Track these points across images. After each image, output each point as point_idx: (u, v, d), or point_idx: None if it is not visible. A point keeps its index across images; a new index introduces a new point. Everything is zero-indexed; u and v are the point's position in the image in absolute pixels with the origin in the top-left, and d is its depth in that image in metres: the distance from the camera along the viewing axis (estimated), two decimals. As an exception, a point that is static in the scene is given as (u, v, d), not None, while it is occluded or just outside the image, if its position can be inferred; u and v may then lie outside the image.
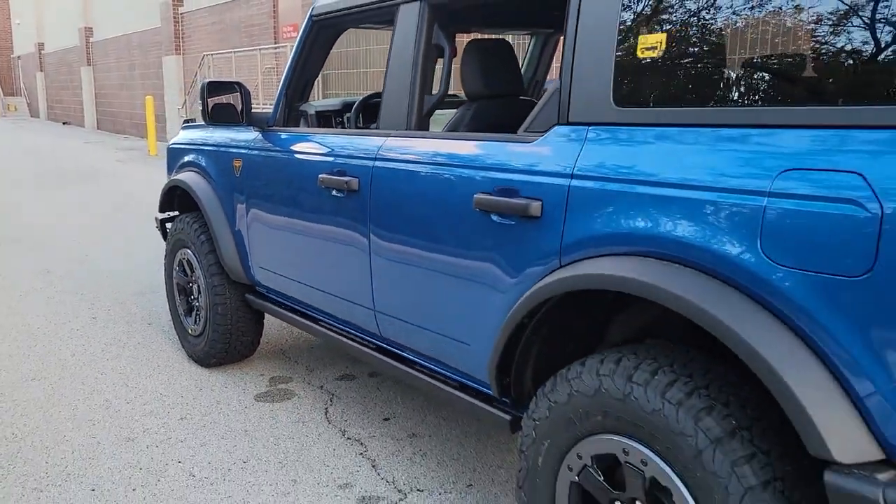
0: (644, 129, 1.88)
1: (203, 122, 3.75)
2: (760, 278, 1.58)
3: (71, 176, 12.88)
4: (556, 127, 2.10)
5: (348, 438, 3.27)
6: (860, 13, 1.53)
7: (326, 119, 3.68)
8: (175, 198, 4.29)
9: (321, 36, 3.28)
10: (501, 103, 2.84)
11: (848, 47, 1.56)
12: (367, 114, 3.64)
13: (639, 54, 1.91)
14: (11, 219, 8.71)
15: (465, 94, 2.87)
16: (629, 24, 1.93)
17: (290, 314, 3.44)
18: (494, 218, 2.20)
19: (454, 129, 2.80)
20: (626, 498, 1.86)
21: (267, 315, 4.04)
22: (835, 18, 1.58)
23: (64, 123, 31.05)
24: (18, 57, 41.15)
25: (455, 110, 2.89)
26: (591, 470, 1.92)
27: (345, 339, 3.08)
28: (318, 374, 4.01)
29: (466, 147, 2.37)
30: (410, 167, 2.53)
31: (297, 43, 3.30)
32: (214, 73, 15.79)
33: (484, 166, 2.26)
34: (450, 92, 3.18)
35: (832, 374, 1.50)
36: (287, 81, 3.37)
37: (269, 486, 2.88)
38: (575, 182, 1.98)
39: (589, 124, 2.02)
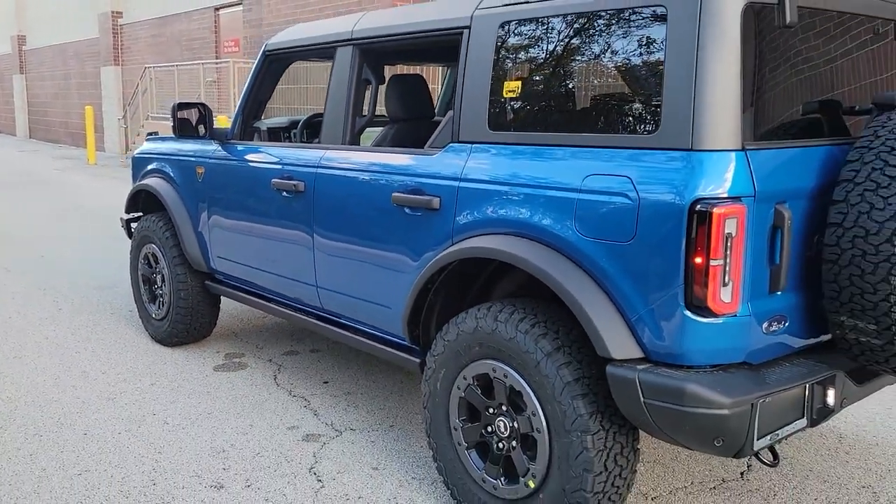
0: (507, 147, 2.70)
1: (167, 135, 4.43)
2: (574, 246, 2.40)
3: (13, 182, 13.18)
4: (451, 144, 2.90)
5: (294, 396, 3.99)
6: (623, 78, 2.38)
7: (276, 134, 4.41)
8: (140, 200, 4.94)
9: (273, 67, 4.03)
10: (415, 124, 3.63)
11: (616, 98, 2.41)
12: (310, 130, 4.39)
13: (504, 95, 2.74)
14: (-38, 223, 9.10)
15: (388, 116, 3.66)
16: (498, 74, 2.75)
17: (246, 295, 4.15)
18: (407, 210, 2.99)
19: (379, 144, 3.58)
20: (495, 404, 2.65)
21: (221, 302, 4.74)
22: (609, 81, 2.43)
23: (-5, 131, 30.60)
24: (-55, 63, 40.16)
25: (382, 128, 3.68)
26: (472, 387, 2.71)
27: (293, 313, 3.81)
28: (266, 350, 4.71)
29: (387, 158, 3.16)
30: (345, 173, 3.30)
31: (252, 72, 4.04)
32: (156, 86, 16.21)
33: (399, 172, 3.05)
34: (379, 113, 3.95)
35: (613, 303, 2.33)
36: (244, 102, 4.09)
37: (230, 429, 3.59)
38: (462, 184, 2.78)
39: (472, 142, 2.82)
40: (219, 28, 16.41)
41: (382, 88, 3.61)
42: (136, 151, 5.03)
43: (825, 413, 2.45)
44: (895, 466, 3.30)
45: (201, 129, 4.11)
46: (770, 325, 2.33)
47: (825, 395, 2.43)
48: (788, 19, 2.27)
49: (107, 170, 16.21)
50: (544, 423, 2.46)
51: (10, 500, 2.93)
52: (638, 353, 2.31)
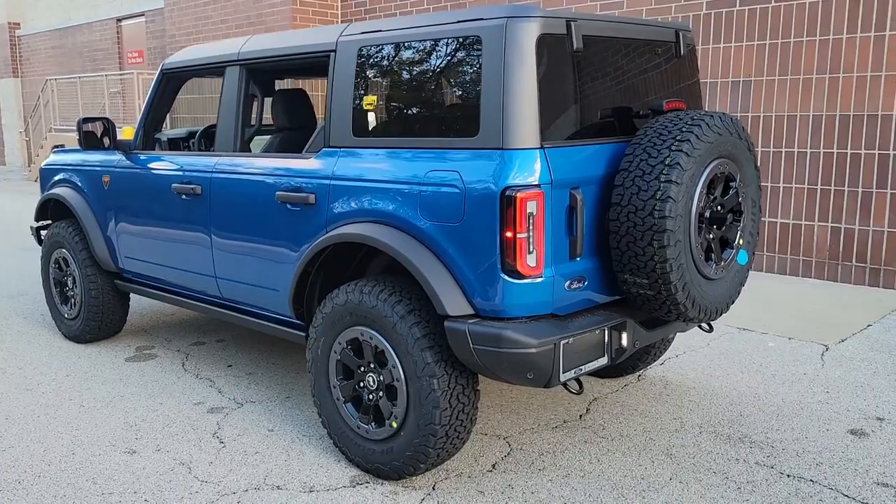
0: (367, 150, 3.27)
1: (73, 147, 4.81)
2: (419, 228, 3.00)
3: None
4: (324, 148, 3.46)
5: (200, 378, 4.46)
6: (452, 93, 2.99)
7: (175, 144, 4.86)
8: (49, 209, 5.29)
9: (170, 84, 4.49)
10: (298, 132, 4.16)
11: (448, 109, 3.02)
12: (206, 140, 4.85)
13: (364, 107, 3.31)
14: None
15: (275, 125, 4.18)
16: (358, 90, 3.32)
17: (153, 291, 4.59)
18: (288, 206, 3.52)
19: (267, 150, 4.09)
20: (365, 362, 3.21)
21: (132, 301, 5.14)
22: (443, 95, 3.04)
23: None
24: None
25: (270, 136, 4.21)
26: (346, 350, 3.27)
27: (197, 303, 4.28)
28: (175, 342, 5.14)
29: (271, 162, 3.68)
30: (236, 176, 3.81)
31: (151, 88, 4.49)
32: (58, 97, 16.10)
33: (281, 174, 3.58)
34: (269, 123, 4.46)
35: (450, 272, 2.92)
36: (145, 116, 4.54)
37: (142, 407, 4.03)
38: (333, 182, 3.34)
39: (340, 147, 3.38)
40: (121, 39, 16.44)
41: (273, 101, 4.14)
42: (43, 163, 5.37)
43: (622, 352, 3.12)
44: (703, 402, 4.02)
45: (106, 141, 4.52)
46: (571, 284, 2.97)
47: (620, 338, 3.09)
48: (575, 46, 2.93)
49: (9, 183, 16.01)
50: (402, 373, 3.04)
51: (-59, 473, 3.32)
52: (469, 311, 2.91)
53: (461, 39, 2.99)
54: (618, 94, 3.24)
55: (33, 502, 3.08)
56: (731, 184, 3.18)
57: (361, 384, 3.25)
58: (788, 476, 3.23)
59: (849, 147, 6.49)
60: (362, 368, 3.24)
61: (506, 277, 2.82)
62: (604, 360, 3.07)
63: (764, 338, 5.12)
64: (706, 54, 7.23)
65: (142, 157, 4.48)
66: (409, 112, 3.23)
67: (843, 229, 6.60)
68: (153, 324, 5.59)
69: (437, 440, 3.00)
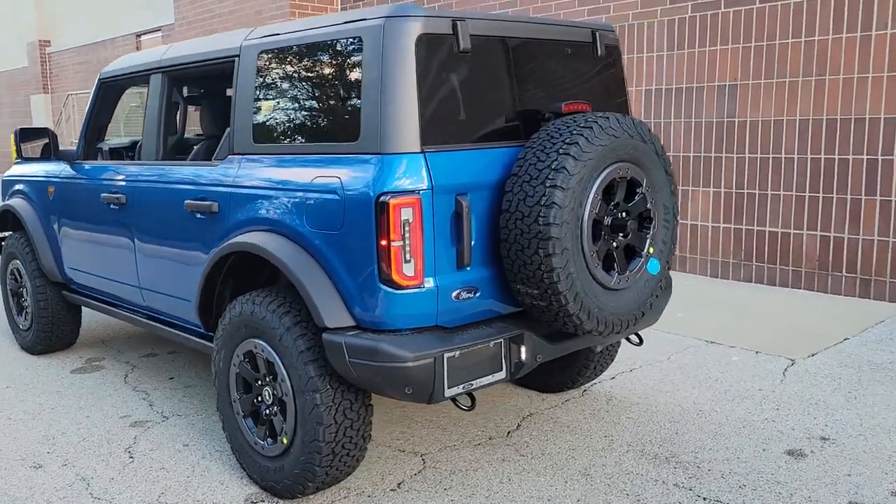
0: (265, 157, 3.18)
1: (32, 158, 4.82)
2: (304, 236, 2.88)
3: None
4: (230, 156, 3.37)
5: (137, 391, 4.40)
6: (337, 97, 2.88)
7: (118, 153, 4.83)
8: (8, 220, 5.31)
9: (108, 93, 4.46)
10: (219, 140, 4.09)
11: (334, 113, 2.91)
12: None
13: (262, 113, 3.22)
14: None
15: (202, 132, 4.12)
16: (257, 96, 3.23)
17: (93, 301, 4.56)
18: (197, 215, 3.44)
19: (195, 158, 4.03)
20: (261, 376, 3.10)
21: (89, 312, 5.12)
22: (329, 100, 2.93)
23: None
24: None
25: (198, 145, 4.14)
26: (243, 363, 3.16)
27: (127, 314, 4.23)
28: (127, 354, 5.11)
29: (183, 170, 3.61)
30: (152, 185, 3.75)
31: (91, 98, 4.47)
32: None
33: (191, 182, 3.51)
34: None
35: (332, 282, 2.80)
36: (86, 126, 4.52)
37: (67, 420, 3.98)
38: (233, 189, 3.25)
39: (242, 154, 3.29)
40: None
41: (200, 108, 4.07)
42: (4, 175, 5.40)
43: (521, 367, 2.96)
44: (642, 419, 3.83)
45: (48, 151, 4.52)
46: (460, 294, 2.82)
47: (519, 351, 2.93)
48: (462, 46, 2.80)
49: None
50: (290, 387, 2.92)
51: None
52: (350, 322, 2.79)
53: (346, 41, 2.88)
54: (518, 96, 3.09)
55: (-79, 516, 3.04)
56: (636, 189, 3.01)
57: (259, 398, 3.15)
58: (705, 499, 3.03)
59: (836, 152, 6.21)
60: (259, 382, 3.13)
61: (384, 287, 2.69)
62: (501, 375, 2.92)
63: (731, 351, 4.89)
64: (691, 58, 7.01)
65: (83, 167, 4.46)
66: (301, 117, 3.12)
67: (832, 238, 6.31)
68: (112, 334, 5.57)
69: (322, 458, 2.88)
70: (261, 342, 3.03)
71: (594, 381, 4.34)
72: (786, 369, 4.52)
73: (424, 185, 2.69)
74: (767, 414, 3.87)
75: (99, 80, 4.41)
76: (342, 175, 2.78)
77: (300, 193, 2.92)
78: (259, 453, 3.14)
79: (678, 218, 3.22)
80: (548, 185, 2.70)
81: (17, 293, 5.19)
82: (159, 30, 15.93)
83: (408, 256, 2.66)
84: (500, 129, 3.01)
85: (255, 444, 3.15)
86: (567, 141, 2.75)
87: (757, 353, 4.84)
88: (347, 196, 2.73)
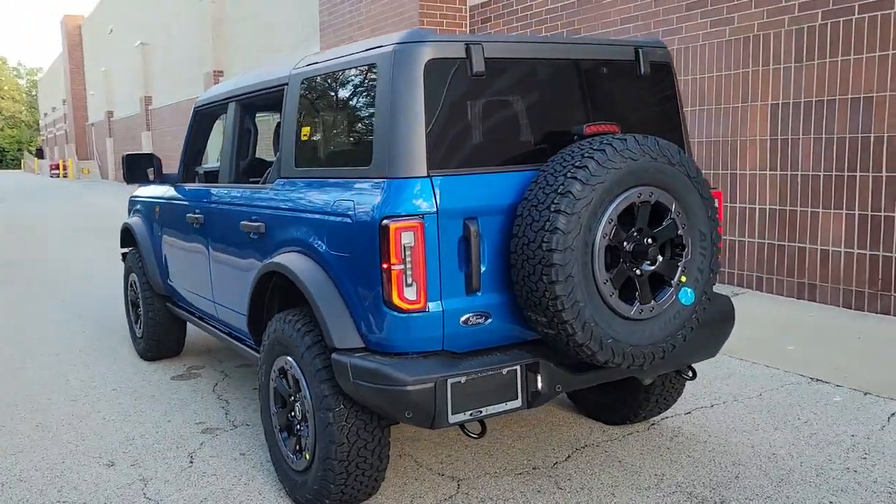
0: (302, 181, 3.29)
1: (155, 181, 5.27)
2: (325, 258, 2.96)
3: (108, 231, 14.81)
4: (278, 179, 3.52)
5: (220, 399, 4.67)
6: (359, 121, 2.93)
7: (212, 176, 5.17)
8: (128, 237, 5.83)
9: (202, 120, 4.81)
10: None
11: (355, 138, 2.96)
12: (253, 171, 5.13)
13: (301, 138, 3.34)
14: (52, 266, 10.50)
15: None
16: (299, 122, 3.36)
17: (185, 312, 4.90)
18: (251, 234, 3.62)
19: (265, 182, 4.24)
20: (293, 391, 3.20)
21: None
22: (352, 125, 2.98)
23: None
24: (92, 124, 44.82)
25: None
26: (279, 378, 3.27)
27: (206, 325, 4.52)
28: (225, 364, 5.43)
29: (242, 192, 3.82)
30: (220, 206, 3.99)
31: (188, 125, 4.83)
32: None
33: (246, 204, 3.70)
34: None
35: (345, 304, 2.85)
36: (184, 151, 4.89)
37: (150, 423, 4.29)
38: (275, 211, 3.39)
39: (286, 178, 3.43)
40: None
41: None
42: (132, 195, 5.95)
43: (538, 396, 2.85)
44: (703, 459, 3.56)
45: (150, 174, 4.93)
46: (469, 319, 2.77)
47: (535, 380, 2.83)
48: (475, 69, 2.78)
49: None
50: (311, 404, 3.00)
51: (-47, 469, 3.74)
52: (359, 344, 2.81)
53: (364, 68, 2.94)
54: (540, 118, 2.99)
55: None
56: (665, 214, 2.83)
57: (292, 413, 3.24)
58: (740, 553, 2.77)
59: None
60: (293, 398, 3.23)
61: (387, 310, 2.70)
62: (516, 404, 2.83)
63: (834, 391, 4.44)
64: (821, 69, 6.48)
65: (180, 189, 4.83)
66: (328, 142, 3.21)
67: (980, 267, 5.58)
68: (216, 345, 5.95)
69: (336, 476, 2.92)
70: (290, 359, 3.13)
71: (665, 416, 4.09)
72: (892, 415, 4.04)
73: (429, 208, 2.68)
74: (851, 463, 3.48)
75: (194, 108, 4.76)
76: (355, 199, 2.83)
77: (322, 216, 3.00)
78: (290, 467, 3.23)
79: (718, 245, 2.98)
80: (552, 209, 2.60)
81: (134, 303, 5.67)
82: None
83: (409, 280, 2.66)
84: (517, 153, 2.94)
85: (287, 458, 3.25)
86: (577, 164, 2.64)
87: (865, 394, 4.36)
88: (357, 219, 2.78)
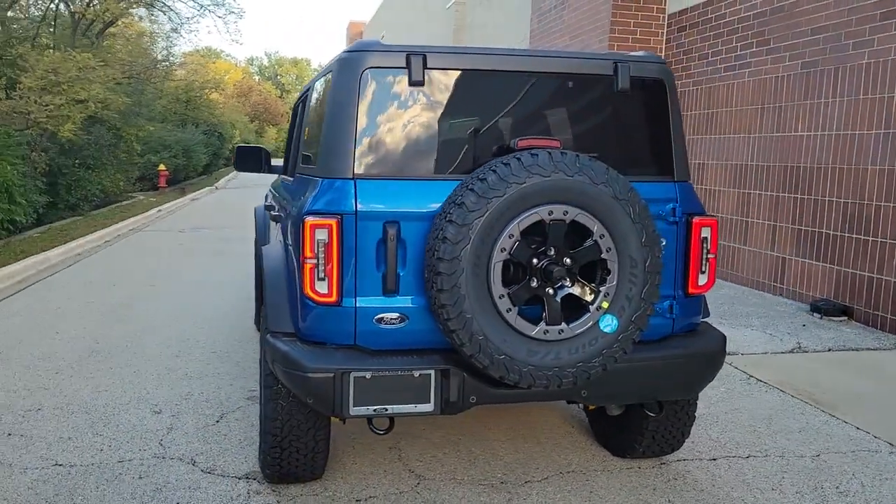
0: (298, 178, 3.57)
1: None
2: (286, 246, 3.21)
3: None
4: (296, 174, 3.84)
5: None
6: (316, 126, 3.14)
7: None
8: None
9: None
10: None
11: (313, 142, 3.17)
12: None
13: (302, 140, 3.63)
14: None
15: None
16: (302, 127, 3.66)
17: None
18: (279, 225, 3.98)
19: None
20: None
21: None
22: (313, 130, 3.20)
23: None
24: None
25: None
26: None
27: None
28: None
29: (278, 186, 4.20)
30: (270, 195, 4.41)
31: (290, 119, 5.33)
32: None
33: (276, 197, 4.07)
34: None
35: (287, 291, 3.07)
36: (287, 143, 5.39)
37: (214, 384, 4.83)
38: (280, 205, 3.72)
39: (293, 175, 3.74)
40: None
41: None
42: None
43: (452, 405, 2.85)
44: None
45: (257, 164, 5.51)
46: (384, 319, 2.86)
47: (449, 388, 2.84)
48: (413, 79, 2.86)
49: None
50: (260, 381, 3.27)
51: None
52: (291, 329, 3.02)
53: (327, 75, 3.15)
54: (480, 130, 2.97)
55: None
56: (588, 236, 2.69)
57: (269, 388, 3.54)
58: None
59: None
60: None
61: (305, 301, 2.88)
62: (429, 408, 2.86)
63: (915, 465, 3.81)
64: None
65: (280, 180, 5.35)
66: (308, 144, 3.50)
67: None
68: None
69: (271, 449, 3.15)
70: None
71: (684, 458, 3.79)
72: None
73: (348, 209, 2.81)
74: (850, 545, 3.01)
75: (294, 104, 5.24)
76: (302, 196, 3.05)
77: (287, 211, 3.28)
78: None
79: (653, 275, 2.74)
80: (446, 219, 2.61)
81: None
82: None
83: (321, 274, 2.81)
84: (452, 163, 2.95)
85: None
86: (479, 176, 2.62)
87: (950, 477, 3.69)
88: (294, 215, 3.00)
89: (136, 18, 25.57)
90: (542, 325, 2.70)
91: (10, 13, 14.68)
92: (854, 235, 7.04)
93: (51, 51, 15.19)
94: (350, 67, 2.88)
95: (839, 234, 7.23)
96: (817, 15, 7.59)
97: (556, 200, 2.64)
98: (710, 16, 9.53)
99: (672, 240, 3.05)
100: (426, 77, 2.87)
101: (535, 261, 2.68)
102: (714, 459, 3.82)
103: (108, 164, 18.35)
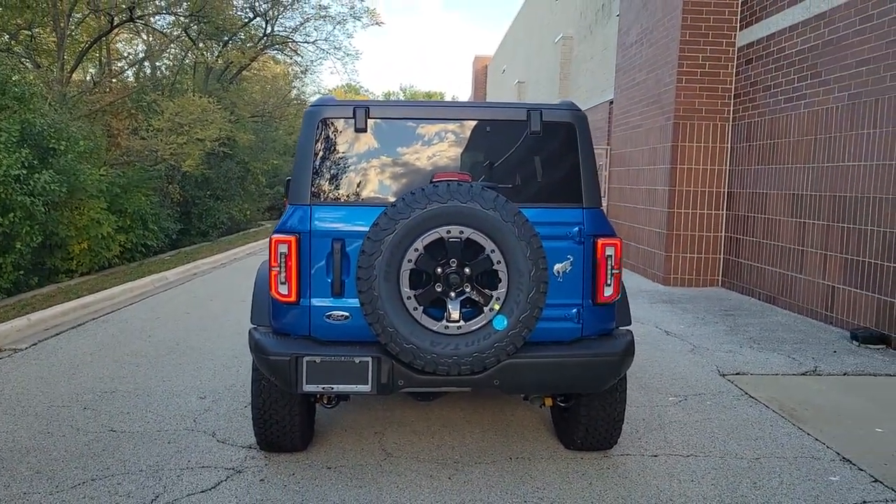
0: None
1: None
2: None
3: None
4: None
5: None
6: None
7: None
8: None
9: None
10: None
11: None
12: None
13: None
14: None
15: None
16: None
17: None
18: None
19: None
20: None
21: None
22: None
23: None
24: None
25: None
26: (268, 349, 4.42)
27: None
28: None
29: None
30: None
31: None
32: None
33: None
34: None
35: (268, 294, 3.88)
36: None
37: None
38: (293, 226, 4.56)
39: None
40: (611, 117, 18.56)
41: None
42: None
43: (384, 386, 3.54)
44: (602, 499, 3.78)
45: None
46: (331, 315, 3.60)
47: (381, 372, 3.54)
48: (358, 126, 3.63)
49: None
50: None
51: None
52: (267, 323, 3.81)
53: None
54: (409, 166, 3.67)
55: (125, 404, 5.08)
56: (482, 251, 3.33)
57: (271, 375, 4.36)
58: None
59: None
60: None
61: (273, 301, 3.68)
62: (366, 388, 3.55)
63: (852, 479, 4.10)
64: None
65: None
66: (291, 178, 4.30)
67: None
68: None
69: (256, 420, 3.95)
70: (263, 332, 4.26)
71: (653, 453, 4.24)
72: (864, 504, 3.70)
73: (304, 228, 3.60)
74: (729, 526, 3.43)
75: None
76: (293, 219, 3.86)
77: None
78: (259, 410, 4.35)
79: (537, 283, 3.33)
80: (365, 235, 3.35)
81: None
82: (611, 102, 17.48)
83: (283, 279, 3.60)
84: (388, 192, 3.67)
85: (258, 403, 4.37)
86: (392, 203, 3.34)
87: (874, 481, 3.97)
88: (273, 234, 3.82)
89: (272, 62, 27.88)
90: (444, 321, 3.36)
91: (145, 63, 16.73)
92: (894, 265, 7.09)
93: (189, 95, 17.20)
94: (311, 118, 3.68)
95: (881, 262, 7.29)
96: (861, 48, 7.73)
97: (453, 222, 3.31)
98: (772, 49, 9.73)
99: (579, 257, 3.63)
100: (368, 125, 3.63)
101: (438, 270, 3.36)
102: (655, 456, 4.27)
103: (236, 195, 20.29)
